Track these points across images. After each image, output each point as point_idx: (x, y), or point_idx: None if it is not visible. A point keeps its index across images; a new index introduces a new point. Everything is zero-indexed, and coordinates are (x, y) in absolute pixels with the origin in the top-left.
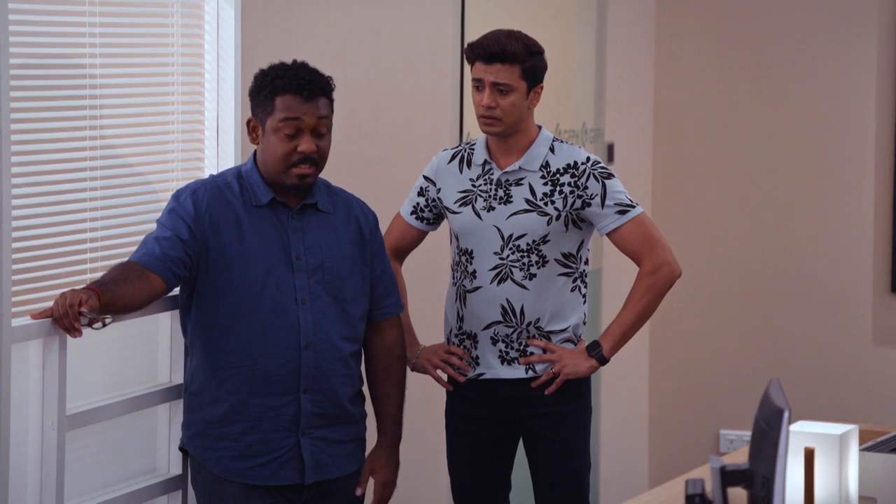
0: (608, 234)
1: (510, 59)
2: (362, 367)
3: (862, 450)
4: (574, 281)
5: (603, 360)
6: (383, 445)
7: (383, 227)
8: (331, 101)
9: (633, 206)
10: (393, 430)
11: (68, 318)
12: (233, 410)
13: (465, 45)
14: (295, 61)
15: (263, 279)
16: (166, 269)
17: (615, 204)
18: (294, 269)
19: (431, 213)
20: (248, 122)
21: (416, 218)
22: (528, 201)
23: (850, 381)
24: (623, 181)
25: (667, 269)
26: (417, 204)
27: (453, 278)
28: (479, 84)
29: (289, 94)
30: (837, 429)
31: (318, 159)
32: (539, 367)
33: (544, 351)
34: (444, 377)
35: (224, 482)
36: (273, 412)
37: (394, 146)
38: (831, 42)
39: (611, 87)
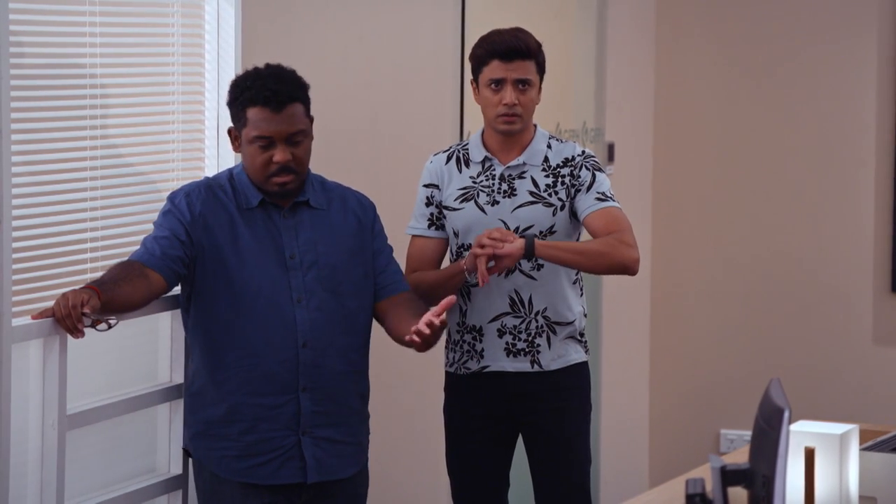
0: (584, 219)
1: (530, 54)
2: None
3: (862, 449)
4: (576, 273)
5: (530, 245)
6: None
7: (388, 226)
8: (305, 104)
9: (614, 199)
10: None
11: (71, 319)
12: (232, 410)
13: (477, 45)
14: (268, 65)
15: (258, 280)
16: (166, 268)
17: (598, 192)
18: (288, 267)
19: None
20: (229, 132)
21: (436, 228)
22: (532, 193)
23: (851, 381)
24: (623, 181)
25: (632, 252)
26: (432, 215)
27: None
28: (497, 83)
29: (258, 106)
30: (838, 428)
31: (295, 167)
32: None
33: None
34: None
35: (223, 482)
36: (272, 412)
37: (394, 146)
38: (831, 41)
39: (611, 86)
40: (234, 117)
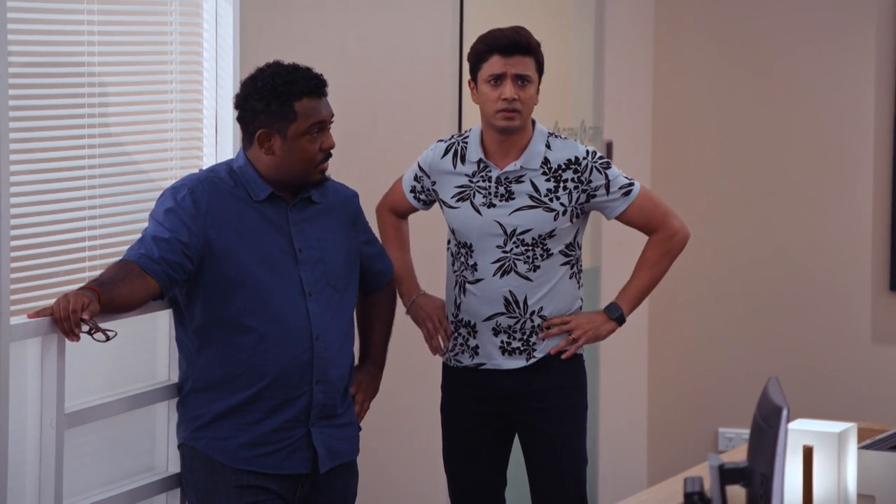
0: (621, 218)
1: (530, 50)
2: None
3: (860, 448)
4: (572, 267)
5: (622, 322)
6: (368, 371)
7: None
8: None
9: (633, 184)
10: (379, 358)
11: (69, 321)
12: (247, 403)
13: (476, 42)
14: (278, 61)
15: (271, 273)
16: (163, 273)
17: (619, 188)
18: (298, 261)
19: (427, 197)
20: (260, 136)
21: (414, 197)
22: (531, 198)
23: (849, 380)
24: None
25: (681, 235)
26: (414, 186)
27: (453, 266)
28: (496, 78)
29: (306, 96)
30: (836, 427)
31: (331, 153)
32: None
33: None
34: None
35: (218, 481)
36: (287, 404)
37: (393, 146)
38: (830, 40)
39: (609, 84)
40: (271, 117)
